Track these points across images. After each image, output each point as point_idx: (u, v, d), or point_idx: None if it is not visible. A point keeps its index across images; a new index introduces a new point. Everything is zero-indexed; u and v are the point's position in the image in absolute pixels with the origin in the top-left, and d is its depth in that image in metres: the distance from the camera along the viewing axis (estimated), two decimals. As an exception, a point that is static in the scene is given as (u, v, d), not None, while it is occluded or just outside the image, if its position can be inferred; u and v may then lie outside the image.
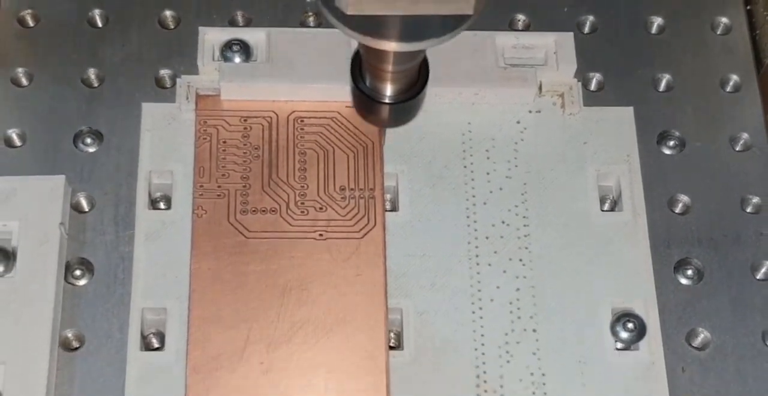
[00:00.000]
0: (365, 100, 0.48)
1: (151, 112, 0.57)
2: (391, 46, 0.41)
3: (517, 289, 0.55)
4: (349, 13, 0.39)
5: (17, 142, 0.58)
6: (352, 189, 0.56)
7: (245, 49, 0.57)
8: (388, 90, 0.47)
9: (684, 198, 0.58)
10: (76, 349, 0.53)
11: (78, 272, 0.55)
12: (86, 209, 0.56)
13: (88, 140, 0.58)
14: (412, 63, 0.46)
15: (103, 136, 0.58)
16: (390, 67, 0.46)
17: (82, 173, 0.57)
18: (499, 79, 0.57)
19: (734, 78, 0.61)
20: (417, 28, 0.40)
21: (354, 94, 0.49)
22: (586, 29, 0.62)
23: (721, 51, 0.62)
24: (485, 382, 0.53)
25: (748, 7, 0.62)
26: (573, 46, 0.58)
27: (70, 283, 0.55)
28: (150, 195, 0.56)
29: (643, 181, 0.57)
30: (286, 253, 0.54)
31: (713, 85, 0.61)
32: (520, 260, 0.55)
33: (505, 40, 0.58)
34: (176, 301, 0.53)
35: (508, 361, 0.53)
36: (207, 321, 0.53)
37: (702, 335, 0.55)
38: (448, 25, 0.40)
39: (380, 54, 0.44)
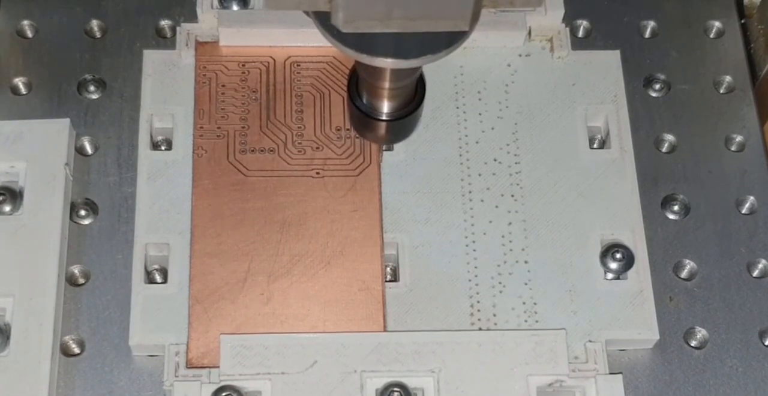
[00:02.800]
0: (362, 118, 0.49)
1: (152, 58, 0.59)
2: (386, 63, 0.41)
3: (509, 223, 0.56)
4: (344, 30, 0.39)
5: (23, 90, 0.59)
6: (348, 129, 0.57)
7: (243, -4, 0.59)
8: (386, 107, 0.48)
9: (670, 138, 0.60)
10: (82, 284, 0.55)
11: (83, 212, 0.56)
12: (90, 152, 0.58)
13: (92, 88, 0.59)
14: (408, 80, 0.46)
15: (106, 83, 0.60)
16: (387, 84, 0.46)
17: (86, 118, 0.59)
18: (489, 23, 0.59)
19: (717, 24, 0.63)
20: (413, 44, 0.41)
21: (351, 112, 0.49)
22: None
23: (704, -2, 0.64)
24: (479, 311, 0.54)
25: (743, 21, 0.63)
26: (560, -8, 0.60)
27: (75, 222, 0.56)
28: (152, 137, 0.58)
29: (631, 123, 0.59)
30: (285, 191, 0.56)
31: (697, 31, 0.63)
32: (512, 196, 0.57)
33: (494, -15, 0.60)
34: (178, 236, 0.55)
35: (500, 291, 0.55)
36: (208, 255, 0.55)
37: (689, 266, 0.57)
38: (443, 41, 0.41)
39: (377, 71, 0.45)
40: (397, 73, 0.45)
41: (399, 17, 0.39)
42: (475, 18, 0.40)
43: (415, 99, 0.49)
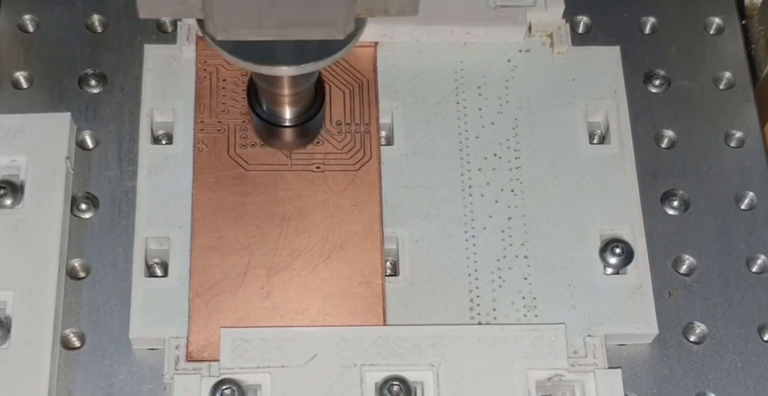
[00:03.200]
0: (265, 126, 0.48)
1: (152, 52, 0.59)
2: (274, 70, 0.41)
3: (509, 218, 0.56)
4: (218, 38, 0.39)
5: (24, 84, 0.60)
6: (348, 123, 0.57)
7: (244, -7, 0.59)
8: (287, 113, 0.48)
9: (670, 133, 0.60)
10: (83, 278, 0.55)
11: (84, 206, 0.57)
12: (91, 146, 0.58)
13: (93, 82, 0.59)
14: (305, 85, 0.46)
15: (107, 78, 0.60)
16: (285, 91, 0.46)
17: (86, 113, 0.59)
18: (489, 18, 0.59)
19: (717, 21, 0.63)
20: (296, 51, 0.41)
21: (253, 120, 0.49)
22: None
23: (704, -6, 0.64)
24: (479, 305, 0.55)
25: (744, 22, 0.64)
26: (561, -12, 0.60)
27: (76, 215, 0.56)
28: (153, 132, 0.58)
29: (631, 118, 0.59)
30: (285, 185, 0.56)
31: (697, 27, 0.63)
32: (512, 191, 0.57)
33: (495, -20, 0.60)
34: (179, 230, 0.55)
35: (500, 286, 0.55)
36: (209, 248, 0.55)
37: (688, 262, 0.57)
38: (326, 48, 0.41)
39: (273, 78, 0.45)
40: (292, 79, 0.45)
41: (271, 25, 0.38)
42: (350, 25, 0.39)
43: (316, 102, 0.48)
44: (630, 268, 0.55)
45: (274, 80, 0.45)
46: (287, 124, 0.48)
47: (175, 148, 0.57)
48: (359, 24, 0.41)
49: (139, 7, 0.38)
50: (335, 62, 0.58)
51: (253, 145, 0.57)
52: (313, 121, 0.48)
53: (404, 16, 0.40)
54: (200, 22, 0.40)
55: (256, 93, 0.48)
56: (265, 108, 0.48)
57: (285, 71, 0.41)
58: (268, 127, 0.48)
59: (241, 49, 0.41)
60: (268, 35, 0.39)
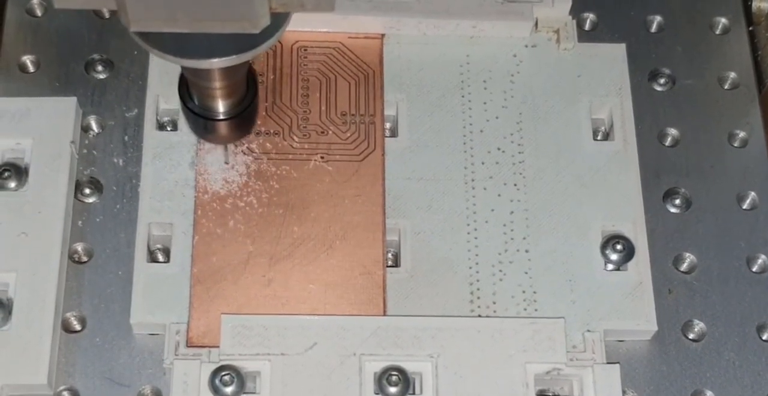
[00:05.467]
0: (199, 120, 0.48)
1: (160, 39, 0.59)
2: (196, 63, 0.41)
3: (511, 212, 0.57)
4: (132, 30, 0.39)
5: (31, 68, 0.60)
6: (352, 114, 0.58)
7: (252, -18, 0.59)
8: (220, 106, 0.47)
9: (673, 132, 0.60)
10: (85, 262, 0.55)
11: (87, 190, 0.57)
12: (96, 131, 0.58)
13: (99, 67, 0.60)
14: (235, 78, 0.45)
15: (114, 63, 0.60)
16: (215, 84, 0.45)
17: (92, 98, 0.59)
18: (496, 13, 0.59)
19: (723, 21, 0.63)
20: (218, 44, 0.40)
21: (186, 115, 0.48)
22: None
23: (710, -5, 0.64)
24: (479, 298, 0.55)
25: (750, 28, 0.64)
26: (568, -16, 0.61)
27: (79, 200, 0.56)
28: (158, 118, 0.58)
29: (635, 116, 0.59)
30: (288, 174, 0.56)
31: (703, 27, 0.63)
32: (515, 185, 0.57)
33: (502, -25, 0.60)
34: (182, 217, 0.55)
35: (501, 280, 0.55)
36: (211, 235, 0.55)
37: (688, 260, 0.57)
38: (249, 41, 0.40)
39: (201, 71, 0.44)
40: (221, 72, 0.44)
41: (184, 18, 0.38)
42: (265, 19, 0.39)
43: (248, 93, 0.48)
44: (630, 264, 0.55)
45: (202, 73, 0.44)
46: (222, 117, 0.48)
47: (180, 134, 0.57)
48: (281, 17, 0.40)
49: None
50: (341, 53, 0.59)
51: (257, 133, 0.57)
52: (247, 112, 0.48)
53: (321, 11, 0.39)
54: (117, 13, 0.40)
55: (188, 87, 0.47)
56: (197, 102, 0.47)
57: (206, 64, 0.41)
58: (202, 122, 0.48)
59: (162, 40, 0.40)
60: (182, 28, 0.38)
